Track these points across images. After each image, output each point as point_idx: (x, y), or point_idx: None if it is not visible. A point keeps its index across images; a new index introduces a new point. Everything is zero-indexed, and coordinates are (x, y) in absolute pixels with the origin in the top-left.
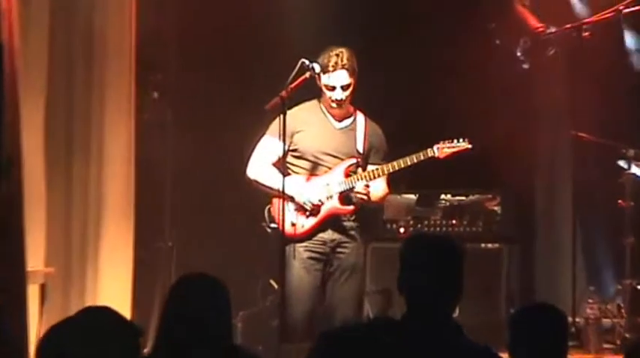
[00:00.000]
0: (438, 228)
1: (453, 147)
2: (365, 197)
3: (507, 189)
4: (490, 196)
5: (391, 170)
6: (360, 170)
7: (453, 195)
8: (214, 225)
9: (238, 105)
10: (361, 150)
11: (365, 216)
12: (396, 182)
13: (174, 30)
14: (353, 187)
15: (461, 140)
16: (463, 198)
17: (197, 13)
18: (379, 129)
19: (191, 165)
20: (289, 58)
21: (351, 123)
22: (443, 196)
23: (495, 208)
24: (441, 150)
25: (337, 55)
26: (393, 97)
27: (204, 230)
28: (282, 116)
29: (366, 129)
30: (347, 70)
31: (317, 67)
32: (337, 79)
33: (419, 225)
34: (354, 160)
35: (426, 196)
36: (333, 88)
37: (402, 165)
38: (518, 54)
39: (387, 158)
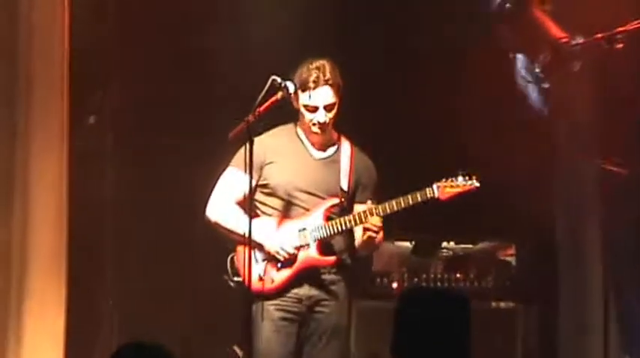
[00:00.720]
0: (439, 283)
1: (458, 186)
2: (374, 235)
3: (523, 236)
4: (503, 244)
5: (381, 213)
6: (352, 211)
7: (457, 243)
8: (165, 278)
9: (195, 131)
10: (345, 188)
11: (349, 268)
12: (387, 226)
13: (115, 39)
14: (334, 233)
15: (467, 177)
16: (470, 246)
17: (144, 19)
18: (369, 160)
19: (136, 204)
20: (257, 75)
21: (334, 152)
22: (445, 244)
23: (509, 259)
24: (443, 189)
25: (318, 69)
26: (384, 122)
27: (152, 284)
28: (248, 144)
29: (352, 160)
30: (331, 86)
31: (291, 86)
32: (320, 98)
33: (415, 279)
34: (336, 200)
35: (425, 243)
36: (315, 109)
37: (394, 209)
38: (537, 71)
39: (378, 196)
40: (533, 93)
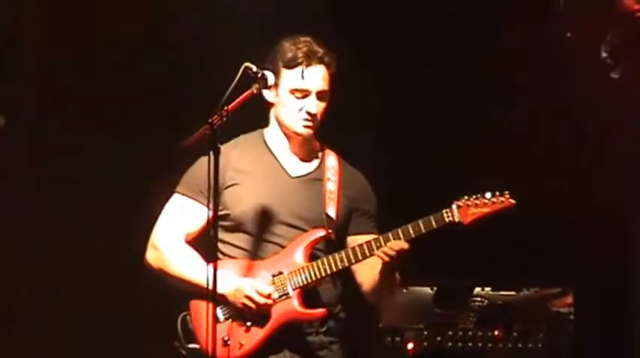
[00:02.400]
0: (469, 343)
1: (486, 204)
2: (389, 259)
3: (585, 280)
4: (556, 291)
5: (383, 246)
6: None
7: (494, 289)
8: (95, 342)
9: (137, 138)
10: (333, 214)
11: (345, 323)
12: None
13: (34, 20)
14: (321, 277)
15: (497, 193)
16: (512, 293)
17: None
18: (362, 176)
19: (58, 240)
20: (223, 63)
21: (316, 168)
22: (478, 290)
23: (565, 310)
24: (465, 210)
25: (308, 43)
26: (385, 131)
27: (78, 350)
28: (212, 156)
29: (339, 177)
30: (326, 66)
31: (270, 77)
32: (314, 78)
33: (438, 338)
34: (321, 232)
35: (450, 290)
36: (306, 94)
37: (400, 240)
38: (604, 55)
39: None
40: (597, 87)
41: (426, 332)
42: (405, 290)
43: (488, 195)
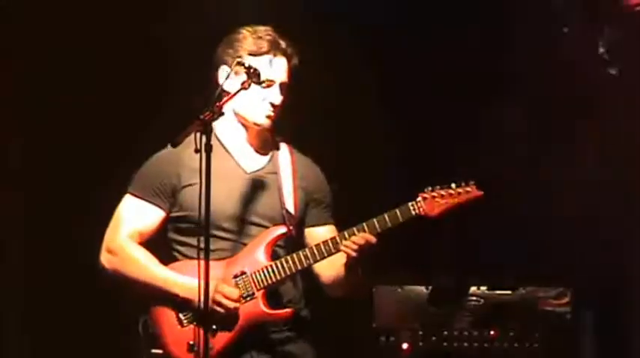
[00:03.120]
0: (465, 343)
1: (451, 196)
2: (354, 253)
3: (583, 278)
4: (554, 290)
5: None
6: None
7: (491, 288)
8: (59, 346)
9: (129, 134)
10: (292, 209)
11: (308, 321)
12: (391, 264)
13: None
14: (285, 275)
15: (462, 183)
16: (508, 292)
17: None
18: (315, 166)
19: (50, 236)
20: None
21: (270, 161)
22: (474, 289)
23: (562, 310)
24: (431, 202)
25: (270, 33)
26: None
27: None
28: (202, 154)
29: (294, 168)
30: (287, 58)
31: (264, 72)
32: (278, 70)
33: (433, 338)
34: (282, 229)
35: (446, 289)
36: (270, 84)
37: (368, 232)
38: (601, 50)
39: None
40: (595, 84)
41: (421, 332)
42: (399, 290)
43: (453, 185)
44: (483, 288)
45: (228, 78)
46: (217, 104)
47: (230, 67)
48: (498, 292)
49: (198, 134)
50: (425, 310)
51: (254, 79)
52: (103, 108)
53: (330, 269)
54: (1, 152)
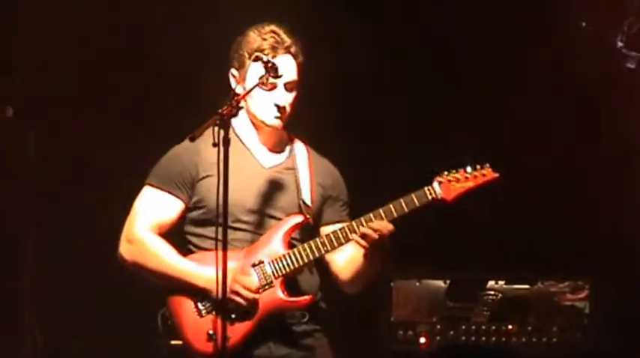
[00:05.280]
0: (483, 337)
1: (467, 179)
2: (371, 241)
3: (600, 272)
4: (572, 284)
5: (365, 227)
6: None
7: (508, 282)
8: (81, 332)
9: (143, 128)
10: (309, 201)
11: (325, 312)
12: (411, 258)
13: (35, 12)
14: (301, 264)
15: (477, 166)
16: (526, 286)
17: None
18: (332, 165)
19: (63, 232)
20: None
21: (287, 157)
22: (492, 283)
23: (580, 304)
24: (447, 186)
25: (274, 33)
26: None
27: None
28: (220, 148)
29: (311, 166)
30: (293, 56)
31: (281, 66)
32: (281, 71)
33: (451, 332)
34: (299, 218)
35: (464, 283)
36: (273, 86)
37: (385, 218)
38: (619, 45)
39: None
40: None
41: (439, 326)
42: (417, 284)
43: (469, 169)
44: (501, 283)
45: (244, 75)
46: (235, 99)
47: (237, 68)
48: (516, 286)
49: (216, 128)
50: (443, 304)
51: (272, 74)
52: (124, 104)
53: (349, 265)
54: (19, 142)
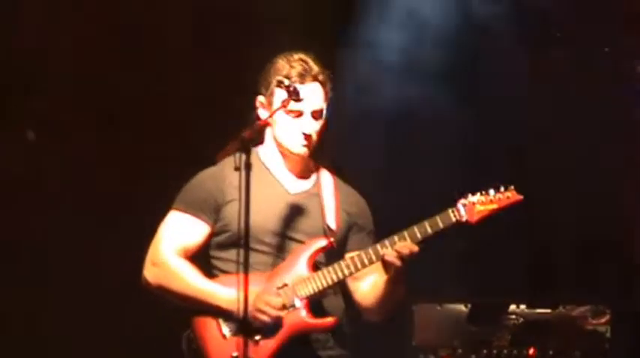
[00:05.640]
0: None
1: (491, 201)
2: (396, 263)
3: (622, 299)
4: (593, 308)
5: (390, 250)
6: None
7: (530, 306)
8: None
9: (167, 156)
10: (334, 226)
11: (348, 337)
12: (432, 282)
13: (58, 34)
14: (326, 286)
15: (501, 189)
16: (547, 310)
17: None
18: (358, 194)
19: (86, 255)
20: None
21: (313, 185)
22: (513, 307)
23: (602, 328)
24: (472, 208)
25: (302, 61)
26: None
27: None
28: (241, 171)
29: (336, 193)
30: (321, 84)
31: (302, 91)
32: (307, 99)
33: (472, 356)
34: (323, 241)
35: (485, 307)
36: (299, 114)
37: (407, 243)
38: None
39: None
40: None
41: (460, 350)
42: (439, 308)
43: (492, 191)
44: (523, 307)
45: (271, 101)
46: (256, 123)
47: (264, 94)
48: (538, 310)
49: (237, 152)
50: (464, 328)
51: (293, 97)
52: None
53: (372, 292)
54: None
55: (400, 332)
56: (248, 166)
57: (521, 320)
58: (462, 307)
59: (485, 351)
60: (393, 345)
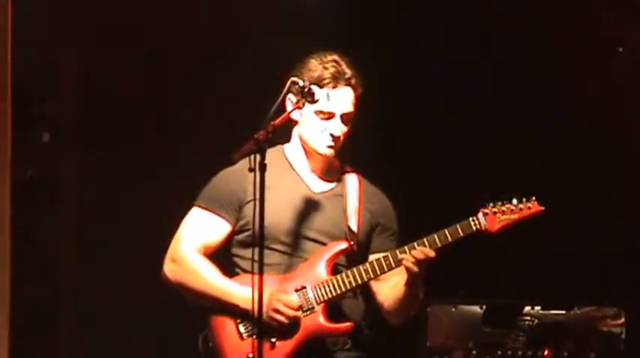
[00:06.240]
0: None
1: (512, 211)
2: (413, 267)
3: (637, 300)
4: (608, 310)
5: (409, 256)
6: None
7: (544, 308)
8: (120, 353)
9: (180, 154)
10: (355, 228)
11: (368, 341)
12: (447, 284)
13: (72, 37)
14: (345, 290)
15: (523, 199)
16: (562, 312)
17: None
18: (383, 195)
19: (105, 253)
20: (263, 74)
21: (338, 185)
22: (528, 309)
23: (617, 330)
24: (493, 218)
25: (335, 63)
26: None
27: None
28: (256, 173)
29: (360, 194)
30: (353, 88)
31: (319, 92)
32: (339, 101)
33: None
34: (343, 244)
35: (500, 309)
36: (330, 116)
37: (427, 249)
38: None
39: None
40: None
41: (474, 352)
42: (453, 309)
43: (514, 201)
44: (537, 308)
45: (287, 99)
46: (271, 124)
47: (294, 93)
48: (553, 312)
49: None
50: (479, 330)
51: (308, 99)
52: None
53: (391, 294)
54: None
55: (414, 333)
56: (263, 167)
57: (536, 321)
58: (476, 308)
59: (499, 353)
60: (407, 347)
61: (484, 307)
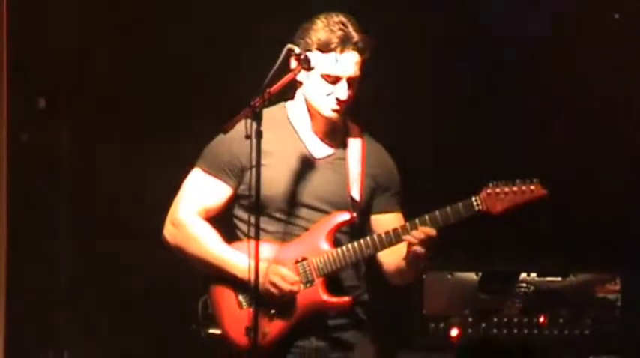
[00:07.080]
0: (515, 330)
1: (515, 194)
2: (415, 245)
3: (632, 264)
4: (604, 276)
5: (411, 234)
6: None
7: (540, 275)
8: (116, 319)
9: (176, 120)
10: (357, 196)
11: (368, 305)
12: (443, 251)
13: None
14: (345, 264)
15: (526, 181)
16: (558, 279)
17: None
18: (385, 153)
19: (97, 221)
20: (257, 42)
21: (340, 148)
22: (524, 276)
23: (612, 296)
24: (494, 199)
25: (343, 25)
26: (414, 107)
27: (101, 334)
28: (252, 140)
29: (363, 154)
30: (360, 52)
31: (315, 59)
32: (347, 65)
33: (483, 325)
34: (345, 215)
35: (496, 276)
36: (336, 80)
37: (428, 228)
38: None
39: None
40: None
41: (470, 319)
42: (449, 276)
43: (517, 181)
44: (533, 275)
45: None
46: (267, 91)
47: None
48: (548, 279)
49: (248, 120)
50: (475, 297)
51: (304, 66)
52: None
53: (392, 257)
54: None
55: (410, 300)
56: (259, 135)
57: (532, 288)
58: (472, 275)
59: (495, 319)
60: (403, 314)
61: (480, 274)
